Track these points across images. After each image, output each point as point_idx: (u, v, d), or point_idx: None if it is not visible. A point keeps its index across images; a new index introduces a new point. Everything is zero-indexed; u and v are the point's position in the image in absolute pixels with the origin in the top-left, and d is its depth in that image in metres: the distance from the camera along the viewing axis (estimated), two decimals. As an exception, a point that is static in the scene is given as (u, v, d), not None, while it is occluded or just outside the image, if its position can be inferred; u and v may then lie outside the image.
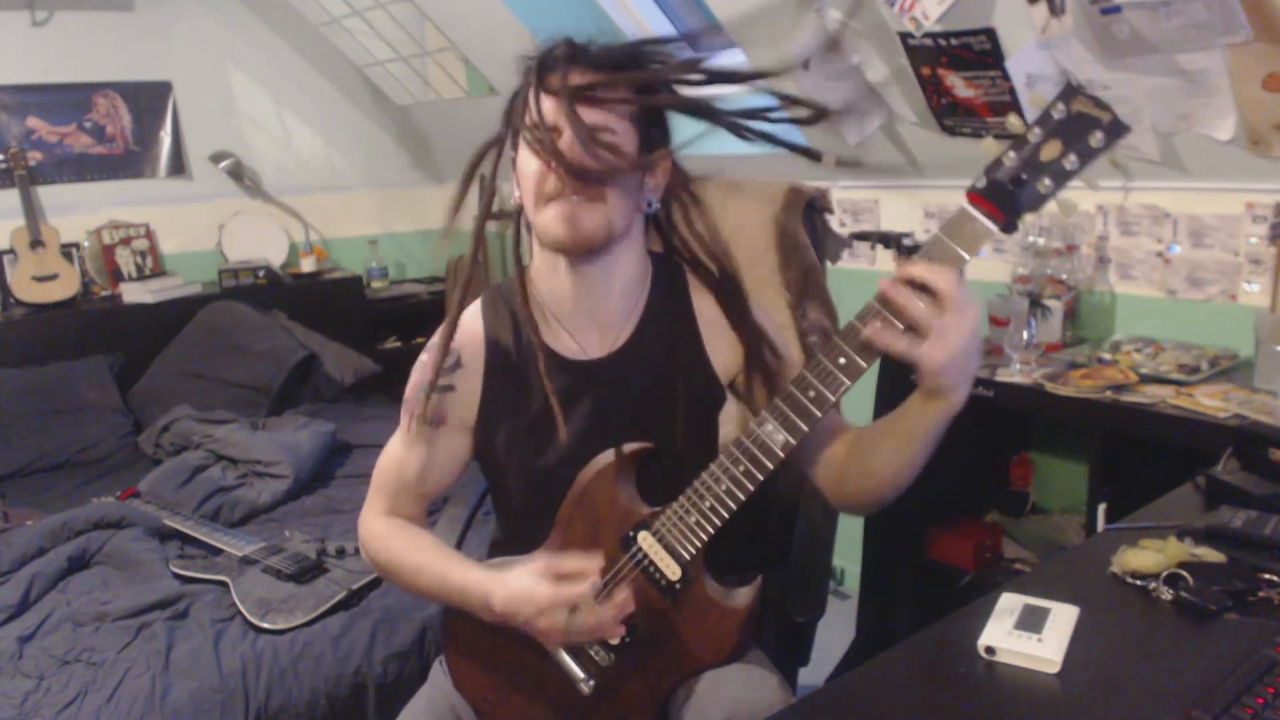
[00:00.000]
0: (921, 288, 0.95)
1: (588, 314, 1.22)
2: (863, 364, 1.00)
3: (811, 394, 1.03)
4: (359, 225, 4.22)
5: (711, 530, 1.10)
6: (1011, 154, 0.93)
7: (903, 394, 1.09)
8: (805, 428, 1.04)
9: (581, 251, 1.15)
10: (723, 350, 1.24)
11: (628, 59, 1.13)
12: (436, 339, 1.25)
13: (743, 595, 1.17)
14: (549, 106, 1.10)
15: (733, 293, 1.24)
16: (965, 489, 2.29)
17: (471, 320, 1.27)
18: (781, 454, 1.05)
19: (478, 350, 1.25)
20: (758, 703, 1.12)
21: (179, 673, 1.71)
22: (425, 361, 1.26)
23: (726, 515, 1.09)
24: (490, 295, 1.29)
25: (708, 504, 1.10)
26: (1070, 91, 0.91)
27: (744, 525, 1.12)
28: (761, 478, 1.07)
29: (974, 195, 0.95)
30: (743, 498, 1.08)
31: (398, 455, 1.28)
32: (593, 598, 1.07)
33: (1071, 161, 0.91)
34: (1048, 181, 0.92)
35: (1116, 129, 0.90)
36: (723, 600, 1.16)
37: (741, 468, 1.07)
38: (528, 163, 1.13)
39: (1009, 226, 0.94)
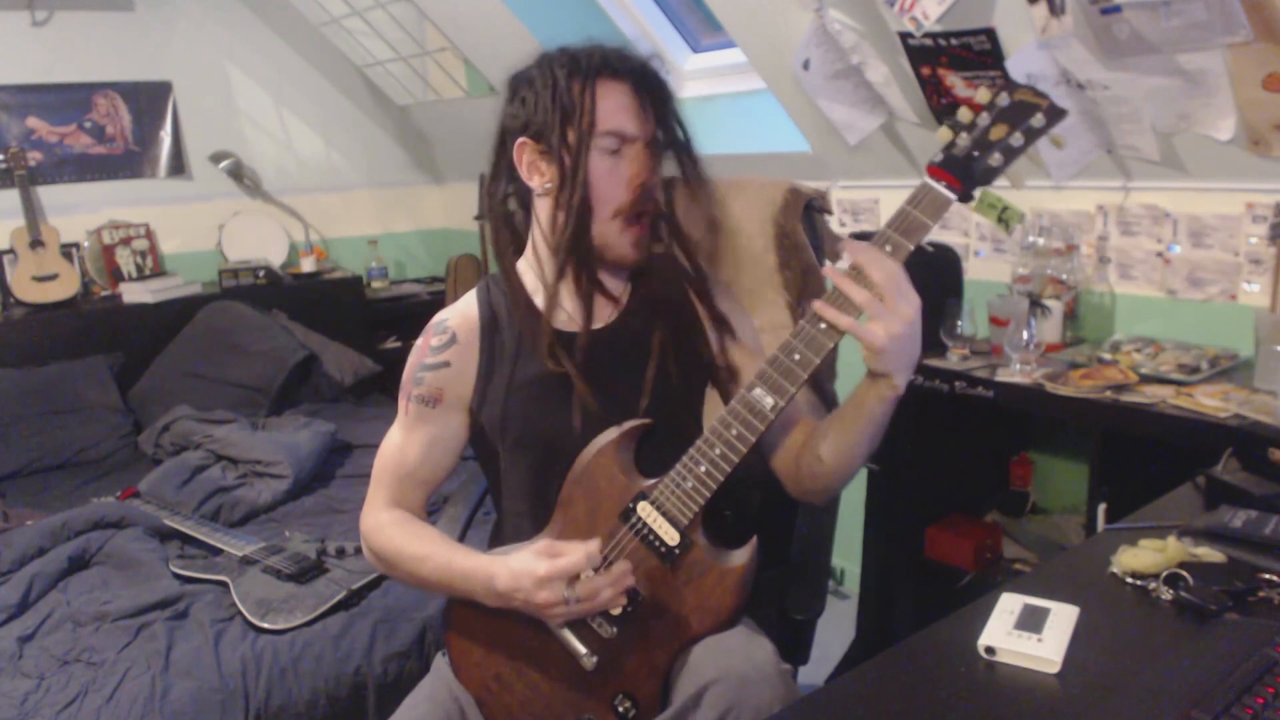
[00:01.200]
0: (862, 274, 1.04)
1: (583, 289, 1.25)
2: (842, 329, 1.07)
3: (796, 357, 1.09)
4: (359, 225, 4.23)
5: (707, 494, 1.14)
6: (964, 134, 1.05)
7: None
8: (792, 389, 1.09)
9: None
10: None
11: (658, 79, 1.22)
12: (432, 320, 1.31)
13: (739, 555, 1.19)
14: (626, 120, 1.18)
15: (700, 281, 1.32)
16: (965, 489, 2.29)
17: (467, 303, 1.32)
18: (771, 416, 1.11)
19: (473, 327, 1.29)
20: (748, 665, 1.13)
21: (179, 673, 1.71)
22: (420, 344, 1.30)
23: (721, 479, 1.13)
24: (485, 280, 1.34)
25: (703, 469, 1.13)
26: (1012, 84, 1.04)
27: (748, 513, 1.13)
28: (753, 439, 1.11)
29: (933, 169, 1.05)
30: (736, 460, 1.12)
31: (397, 442, 1.31)
32: (591, 569, 1.11)
33: (1017, 139, 1.03)
34: (998, 156, 1.03)
35: (1054, 112, 1.02)
36: (720, 561, 1.18)
37: (734, 431, 1.12)
38: (614, 175, 1.19)
39: (966, 196, 1.04)
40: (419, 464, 1.30)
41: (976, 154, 1.03)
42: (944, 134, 1.06)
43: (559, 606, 1.11)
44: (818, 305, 1.06)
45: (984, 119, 1.03)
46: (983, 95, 1.04)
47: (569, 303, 1.26)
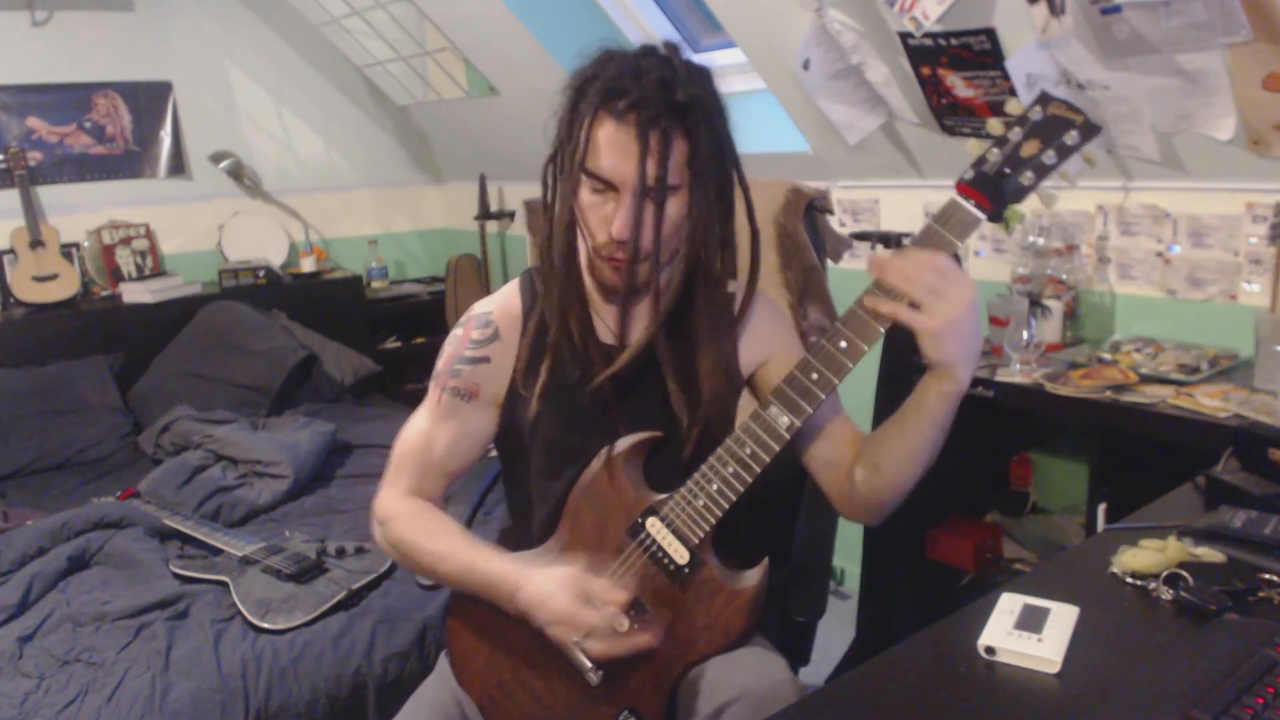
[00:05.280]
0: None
1: (621, 301, 1.22)
2: (863, 346, 1.04)
3: (814, 376, 1.06)
4: (359, 225, 4.23)
5: (719, 513, 1.11)
6: (995, 150, 1.01)
7: (903, 389, 1.10)
8: (809, 409, 1.07)
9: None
10: (749, 343, 1.27)
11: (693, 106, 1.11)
12: (474, 311, 1.27)
13: (750, 577, 1.17)
14: (614, 164, 1.09)
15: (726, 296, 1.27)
16: (965, 489, 2.29)
17: (509, 296, 1.28)
18: (786, 435, 1.08)
19: (514, 325, 1.25)
20: (766, 684, 1.12)
21: (179, 673, 1.71)
22: (460, 335, 1.26)
23: (734, 498, 1.10)
24: (527, 275, 1.30)
25: (715, 487, 1.11)
26: (1046, 97, 1.00)
27: (751, 518, 1.12)
28: (768, 459, 1.09)
29: (963, 186, 1.02)
30: (749, 479, 1.10)
31: (424, 430, 1.26)
32: (611, 629, 1.08)
33: (1050, 157, 0.99)
34: (1030, 174, 1.00)
35: (1089, 129, 0.98)
36: (730, 583, 1.17)
37: (748, 450, 1.09)
38: (596, 214, 1.13)
39: (996, 215, 1.01)
40: (446, 455, 1.26)
41: (1008, 171, 0.99)
42: (974, 147, 1.02)
43: (563, 644, 1.11)
44: (867, 299, 1.02)
45: (1016, 134, 1.00)
46: (1014, 107, 1.00)
47: (608, 314, 1.23)
